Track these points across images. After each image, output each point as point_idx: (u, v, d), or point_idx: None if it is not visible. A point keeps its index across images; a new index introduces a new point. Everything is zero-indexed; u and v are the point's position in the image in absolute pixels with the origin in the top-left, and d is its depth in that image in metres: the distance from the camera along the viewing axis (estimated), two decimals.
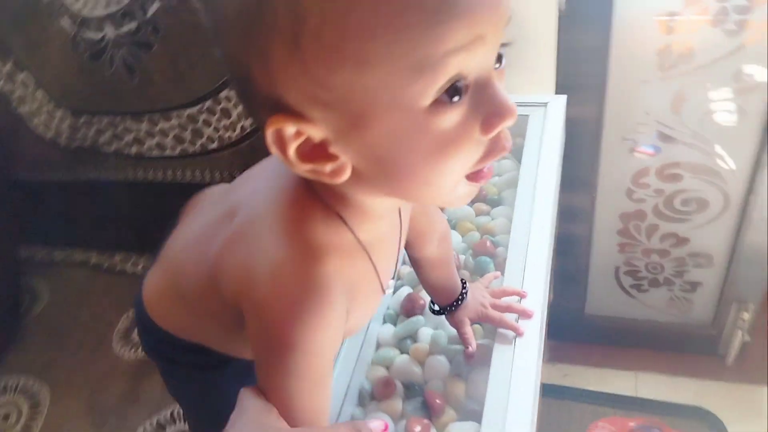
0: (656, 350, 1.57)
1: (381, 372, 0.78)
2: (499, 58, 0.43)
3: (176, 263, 0.65)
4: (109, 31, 0.90)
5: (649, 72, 1.17)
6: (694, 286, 1.47)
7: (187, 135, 1.00)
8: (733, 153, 1.23)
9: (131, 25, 0.90)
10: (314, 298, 0.47)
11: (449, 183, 0.45)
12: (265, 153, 1.00)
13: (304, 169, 0.44)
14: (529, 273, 0.79)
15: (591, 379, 1.59)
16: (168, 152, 1.02)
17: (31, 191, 1.15)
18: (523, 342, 0.72)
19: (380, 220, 0.53)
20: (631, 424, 1.44)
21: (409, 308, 0.84)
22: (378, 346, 0.82)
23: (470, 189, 0.47)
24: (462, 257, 0.89)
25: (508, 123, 0.42)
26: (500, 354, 0.72)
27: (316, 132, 0.42)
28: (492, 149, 0.44)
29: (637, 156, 1.29)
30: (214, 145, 0.99)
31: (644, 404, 1.49)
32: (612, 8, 1.10)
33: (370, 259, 0.53)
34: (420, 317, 0.82)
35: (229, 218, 0.56)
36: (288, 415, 0.48)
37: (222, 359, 0.67)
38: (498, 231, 0.92)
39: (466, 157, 0.44)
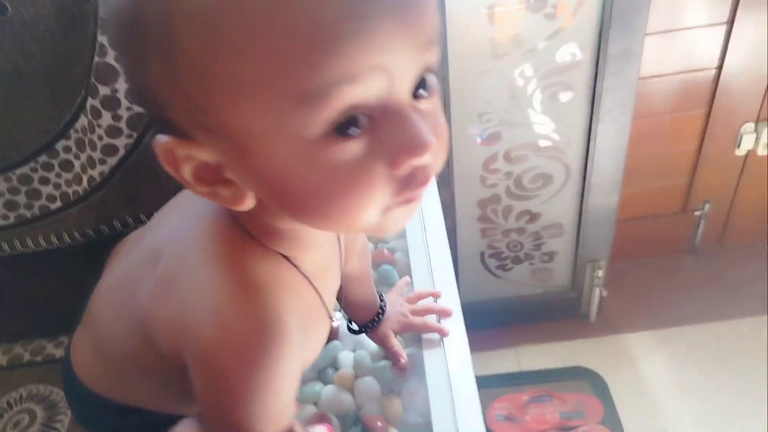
0: (528, 322, 1.66)
1: (311, 410, 0.73)
2: (422, 85, 0.39)
3: (99, 321, 0.58)
4: None
5: (484, 62, 1.22)
6: (551, 255, 1.57)
7: (21, 198, 0.86)
8: (567, 127, 1.33)
9: None
10: (267, 338, 0.43)
11: (358, 216, 0.39)
12: (121, 203, 0.89)
13: (201, 191, 0.40)
14: (436, 270, 0.78)
15: (476, 364, 1.63)
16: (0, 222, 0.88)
17: None
18: (451, 340, 0.71)
19: (318, 248, 0.49)
20: (525, 397, 1.50)
21: None
22: (300, 383, 0.76)
23: (401, 213, 0.42)
24: None
25: (420, 159, 0.38)
26: (432, 359, 0.70)
27: (206, 155, 0.38)
28: (406, 185, 0.39)
29: (482, 145, 1.34)
30: (57, 204, 0.87)
31: (530, 376, 1.56)
32: (444, 4, 1.13)
33: (315, 288, 0.48)
34: (336, 342, 0.78)
35: (150, 264, 0.49)
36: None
37: (162, 421, 0.58)
38: (390, 237, 0.90)
39: (371, 193, 0.39)
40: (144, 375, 0.55)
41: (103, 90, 0.76)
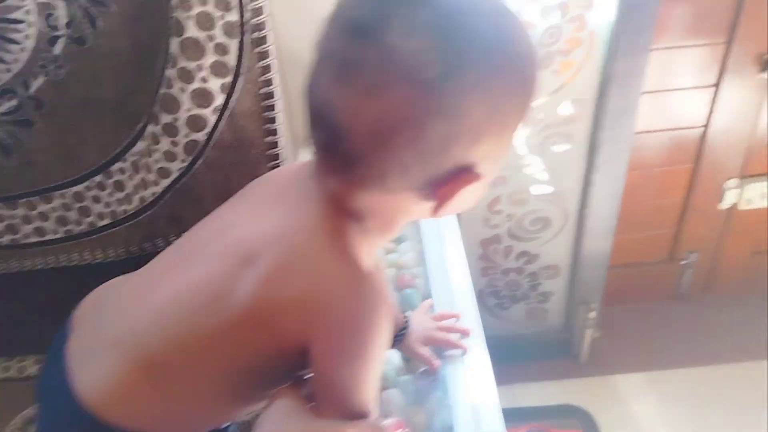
0: (523, 361, 1.72)
1: None
2: None
3: (159, 337, 0.58)
4: None
5: None
6: (546, 296, 1.65)
7: (72, 215, 0.93)
8: (566, 175, 1.43)
9: (11, 104, 0.83)
10: (384, 304, 0.56)
11: None
12: (167, 222, 0.96)
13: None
14: (457, 295, 0.86)
15: None
16: (49, 236, 0.94)
17: None
18: (473, 356, 0.78)
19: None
20: None
21: None
22: None
23: None
24: None
25: None
26: (455, 373, 0.77)
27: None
28: None
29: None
30: (106, 221, 0.94)
31: (526, 413, 1.62)
32: None
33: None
34: None
35: (240, 264, 0.56)
36: (364, 396, 0.55)
37: None
38: (411, 264, 0.98)
39: None
40: (211, 382, 0.59)
41: (166, 118, 0.84)
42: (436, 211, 0.56)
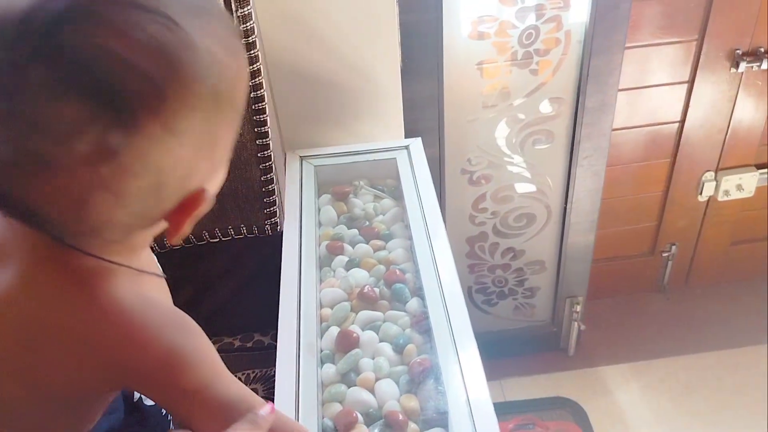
0: (512, 356, 1.76)
1: (337, 407, 0.82)
2: None
3: None
4: None
5: (475, 112, 1.36)
6: (533, 291, 1.69)
7: None
8: (549, 170, 1.47)
9: None
10: (176, 319, 0.53)
11: None
12: None
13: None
14: (447, 292, 0.89)
15: None
16: None
17: None
18: (463, 352, 0.82)
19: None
20: (510, 426, 1.59)
21: (345, 344, 0.88)
22: (323, 386, 0.85)
23: None
24: (376, 289, 0.96)
25: None
26: (448, 363, 0.80)
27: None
28: None
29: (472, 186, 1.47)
30: None
31: (515, 406, 1.65)
32: (441, 60, 1.27)
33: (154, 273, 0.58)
34: (358, 350, 0.87)
35: None
36: (234, 410, 0.51)
37: None
38: (400, 260, 1.01)
39: None
40: None
41: None
42: (172, 235, 0.50)
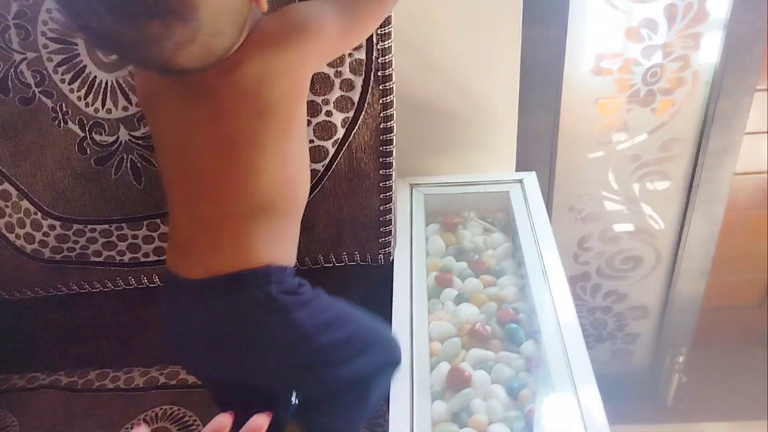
0: (607, 402, 1.68)
1: None
2: None
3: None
4: (123, 134, 0.89)
5: (591, 148, 1.33)
6: (633, 337, 1.61)
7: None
8: (662, 213, 1.41)
9: (147, 128, 0.89)
10: None
11: None
12: None
13: None
14: (567, 336, 0.86)
15: None
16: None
17: None
18: (584, 397, 0.78)
19: None
20: None
21: (457, 382, 0.86)
22: (434, 424, 0.84)
23: None
24: (488, 327, 0.93)
25: None
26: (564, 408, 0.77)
27: None
28: None
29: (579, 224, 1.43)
30: None
31: None
32: (560, 94, 1.24)
33: None
34: (469, 390, 0.85)
35: None
36: None
37: None
38: (512, 299, 0.98)
39: None
40: None
41: None
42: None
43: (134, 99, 0.87)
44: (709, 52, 1.21)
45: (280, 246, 0.72)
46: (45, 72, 0.87)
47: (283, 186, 0.71)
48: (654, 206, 1.40)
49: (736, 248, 1.62)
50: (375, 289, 1.00)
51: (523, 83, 1.15)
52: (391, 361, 0.80)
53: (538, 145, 1.30)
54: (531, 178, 1.16)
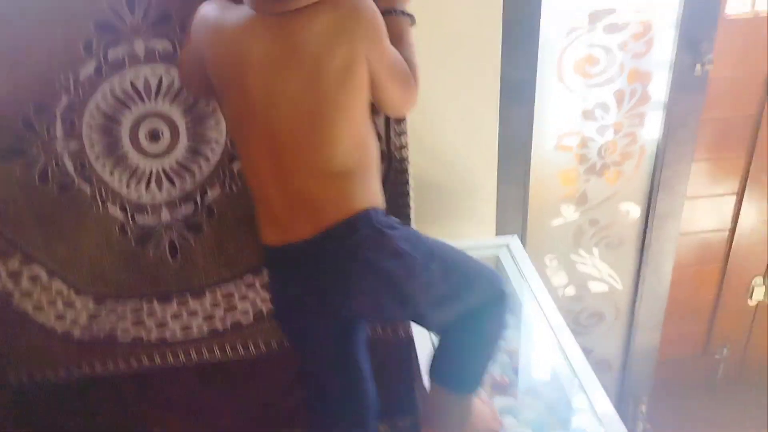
0: None
1: None
2: None
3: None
4: (165, 215, 0.93)
5: (555, 214, 1.47)
6: None
7: (219, 312, 1.02)
8: (619, 272, 1.56)
9: (188, 209, 0.94)
10: None
11: None
12: None
13: None
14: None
15: None
16: (195, 334, 1.02)
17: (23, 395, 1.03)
18: None
19: None
20: None
21: None
22: None
23: None
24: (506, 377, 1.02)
25: None
26: None
27: None
28: None
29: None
30: (249, 319, 1.02)
31: None
32: (529, 167, 1.39)
33: None
34: None
35: None
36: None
37: None
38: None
39: None
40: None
41: None
42: None
43: (178, 183, 0.92)
44: (653, 129, 1.40)
45: (371, 192, 0.83)
46: (86, 161, 0.91)
47: (362, 146, 0.82)
48: (612, 265, 1.55)
49: (678, 303, 1.79)
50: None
51: (499, 157, 1.29)
52: (499, 292, 0.86)
53: (511, 213, 1.43)
54: (515, 242, 1.28)
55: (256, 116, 0.78)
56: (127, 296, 0.97)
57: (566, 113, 1.37)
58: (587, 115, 1.38)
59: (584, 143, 1.41)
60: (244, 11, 0.77)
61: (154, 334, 1.01)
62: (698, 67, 1.34)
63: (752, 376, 1.95)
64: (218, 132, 0.92)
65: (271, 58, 0.76)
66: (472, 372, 0.86)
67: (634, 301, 1.60)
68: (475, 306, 0.83)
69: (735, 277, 1.78)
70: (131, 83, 0.86)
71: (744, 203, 1.66)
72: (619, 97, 1.37)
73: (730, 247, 1.73)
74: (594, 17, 1.29)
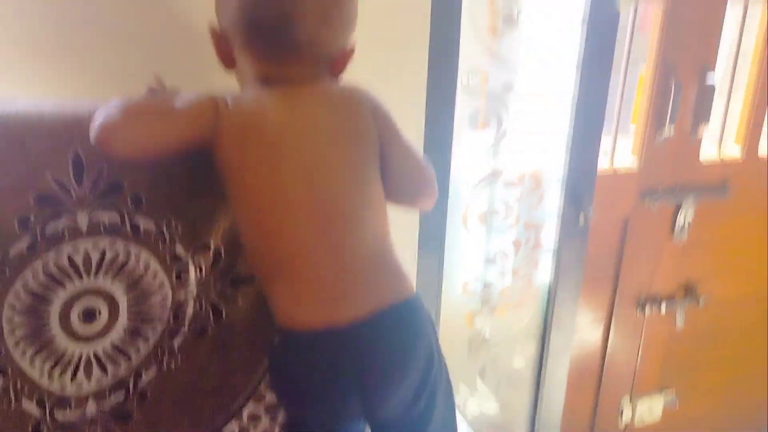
0: None
1: None
2: None
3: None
4: (91, 409, 0.82)
5: (462, 354, 1.52)
6: None
7: None
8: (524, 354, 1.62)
9: (118, 398, 0.84)
10: None
11: None
12: None
13: None
14: None
15: None
16: None
17: None
18: None
19: None
20: None
21: None
22: None
23: None
24: None
25: None
26: None
27: None
28: None
29: None
30: None
31: None
32: (440, 310, 1.43)
33: None
34: None
35: None
36: None
37: None
38: None
39: None
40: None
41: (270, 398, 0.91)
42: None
43: (111, 369, 0.82)
44: (545, 272, 1.52)
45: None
46: (2, 348, 0.78)
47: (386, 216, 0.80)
48: (518, 347, 1.61)
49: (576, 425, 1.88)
50: None
51: None
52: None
53: None
54: None
55: (303, 186, 0.74)
56: None
57: (471, 260, 1.45)
58: (489, 261, 1.46)
59: (487, 288, 1.49)
60: (254, 92, 0.78)
61: None
62: (581, 217, 1.48)
63: None
64: (162, 309, 0.85)
65: (307, 123, 0.76)
66: None
67: (538, 382, 1.65)
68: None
69: (607, 398, 1.91)
70: (69, 258, 0.78)
71: (612, 328, 1.81)
72: (517, 245, 1.48)
73: (602, 369, 1.87)
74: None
